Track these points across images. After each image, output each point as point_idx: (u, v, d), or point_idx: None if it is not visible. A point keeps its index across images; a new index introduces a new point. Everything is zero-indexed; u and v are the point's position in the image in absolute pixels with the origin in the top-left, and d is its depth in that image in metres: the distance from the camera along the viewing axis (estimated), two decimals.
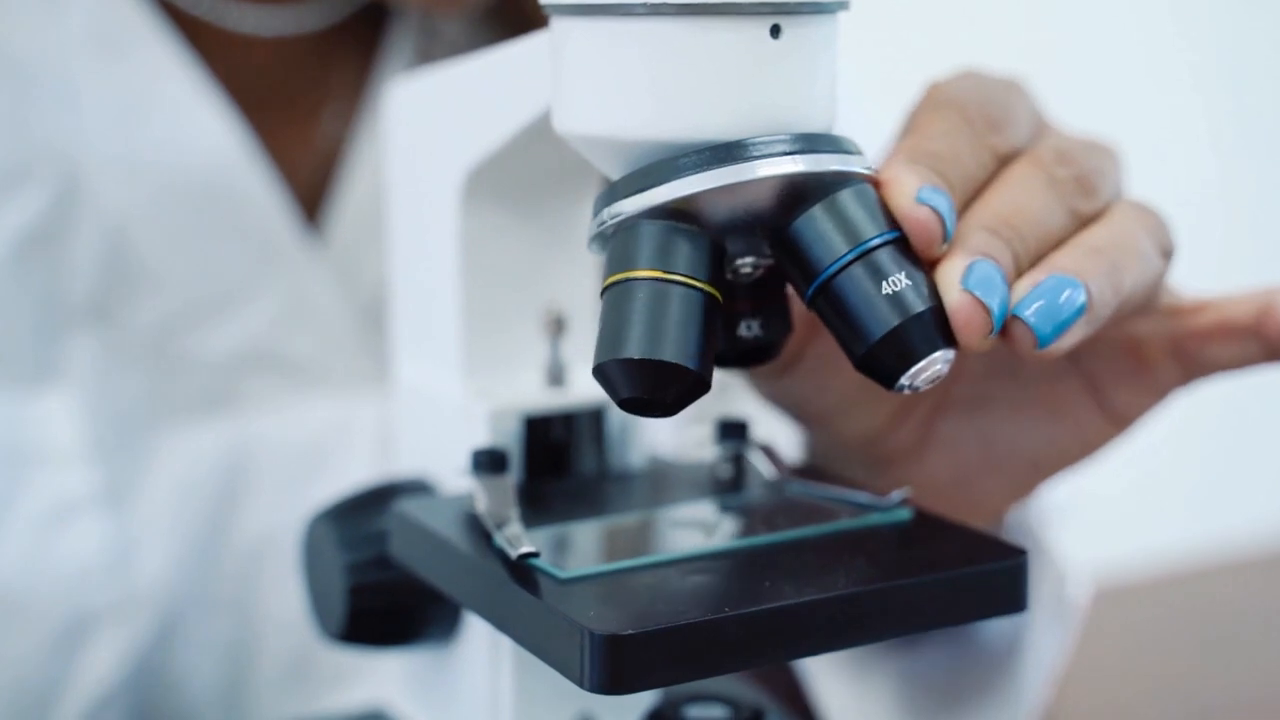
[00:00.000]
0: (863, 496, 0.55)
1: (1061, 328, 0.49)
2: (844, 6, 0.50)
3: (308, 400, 0.79)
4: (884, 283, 0.47)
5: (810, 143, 0.48)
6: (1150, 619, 1.15)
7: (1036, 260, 0.51)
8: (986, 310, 0.48)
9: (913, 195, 0.49)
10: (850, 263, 0.48)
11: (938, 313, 0.48)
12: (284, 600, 0.77)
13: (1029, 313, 0.49)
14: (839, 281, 0.48)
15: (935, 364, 0.48)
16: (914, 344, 0.47)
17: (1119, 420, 0.60)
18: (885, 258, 0.48)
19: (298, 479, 0.78)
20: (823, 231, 0.48)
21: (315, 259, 0.79)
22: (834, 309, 0.48)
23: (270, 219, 0.78)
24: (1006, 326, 0.49)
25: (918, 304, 0.47)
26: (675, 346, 0.46)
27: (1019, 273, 0.50)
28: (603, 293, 0.48)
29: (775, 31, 0.48)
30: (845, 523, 0.53)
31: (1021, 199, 0.52)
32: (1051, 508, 0.71)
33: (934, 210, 0.49)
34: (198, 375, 0.77)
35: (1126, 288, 0.51)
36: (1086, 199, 0.53)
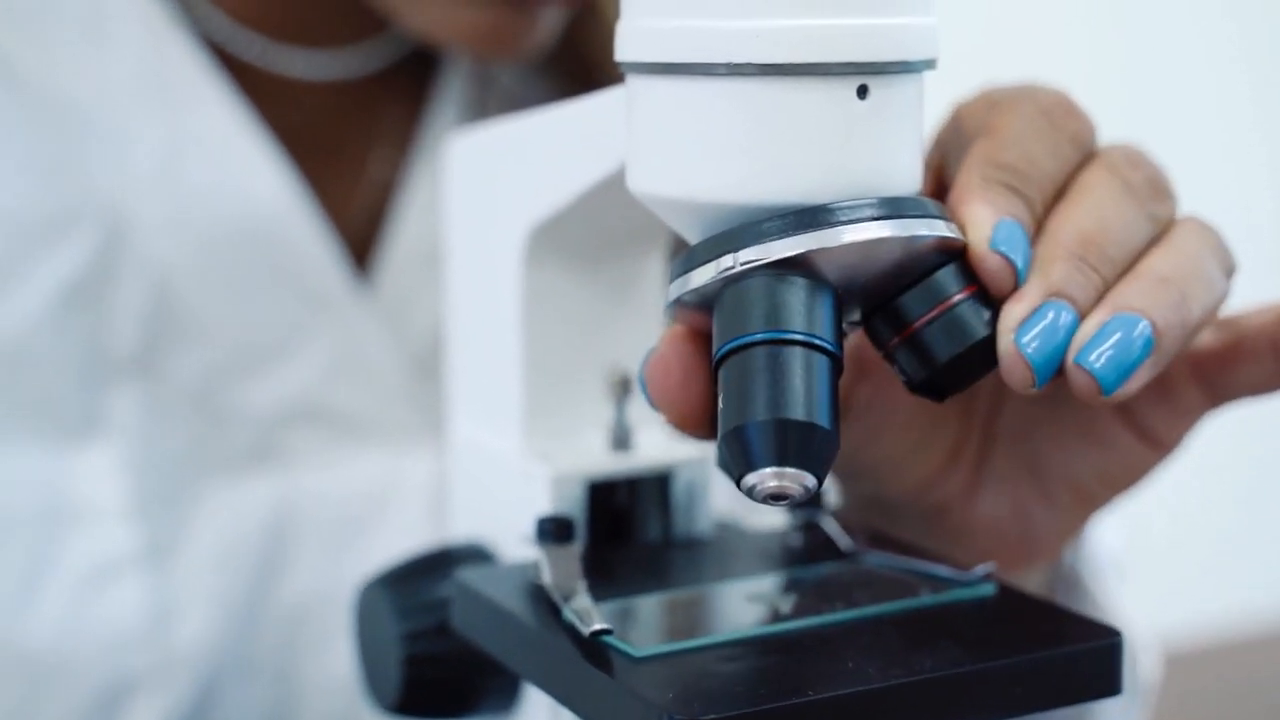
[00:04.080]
0: (944, 570, 0.53)
1: (1127, 373, 0.47)
2: (931, 65, 0.48)
3: (356, 455, 0.77)
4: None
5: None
6: (1213, 689, 1.09)
7: (1119, 278, 0.49)
8: (1029, 368, 0.47)
9: (987, 235, 0.48)
10: (758, 344, 0.45)
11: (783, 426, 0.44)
12: (325, 663, 0.75)
13: (1093, 359, 0.47)
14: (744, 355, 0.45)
15: (768, 480, 0.44)
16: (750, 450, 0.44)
17: (1157, 445, 0.57)
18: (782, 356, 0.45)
19: (344, 537, 0.76)
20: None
21: (364, 308, 0.77)
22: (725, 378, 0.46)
23: (319, 267, 0.76)
24: (1068, 373, 0.47)
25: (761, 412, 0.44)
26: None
27: (1099, 299, 0.49)
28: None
29: (862, 92, 0.47)
30: (927, 599, 0.51)
31: (1106, 211, 0.50)
32: (1104, 563, 0.68)
33: (1007, 260, 0.48)
34: (243, 429, 0.75)
35: (1195, 319, 0.50)
36: (1162, 203, 0.52)
